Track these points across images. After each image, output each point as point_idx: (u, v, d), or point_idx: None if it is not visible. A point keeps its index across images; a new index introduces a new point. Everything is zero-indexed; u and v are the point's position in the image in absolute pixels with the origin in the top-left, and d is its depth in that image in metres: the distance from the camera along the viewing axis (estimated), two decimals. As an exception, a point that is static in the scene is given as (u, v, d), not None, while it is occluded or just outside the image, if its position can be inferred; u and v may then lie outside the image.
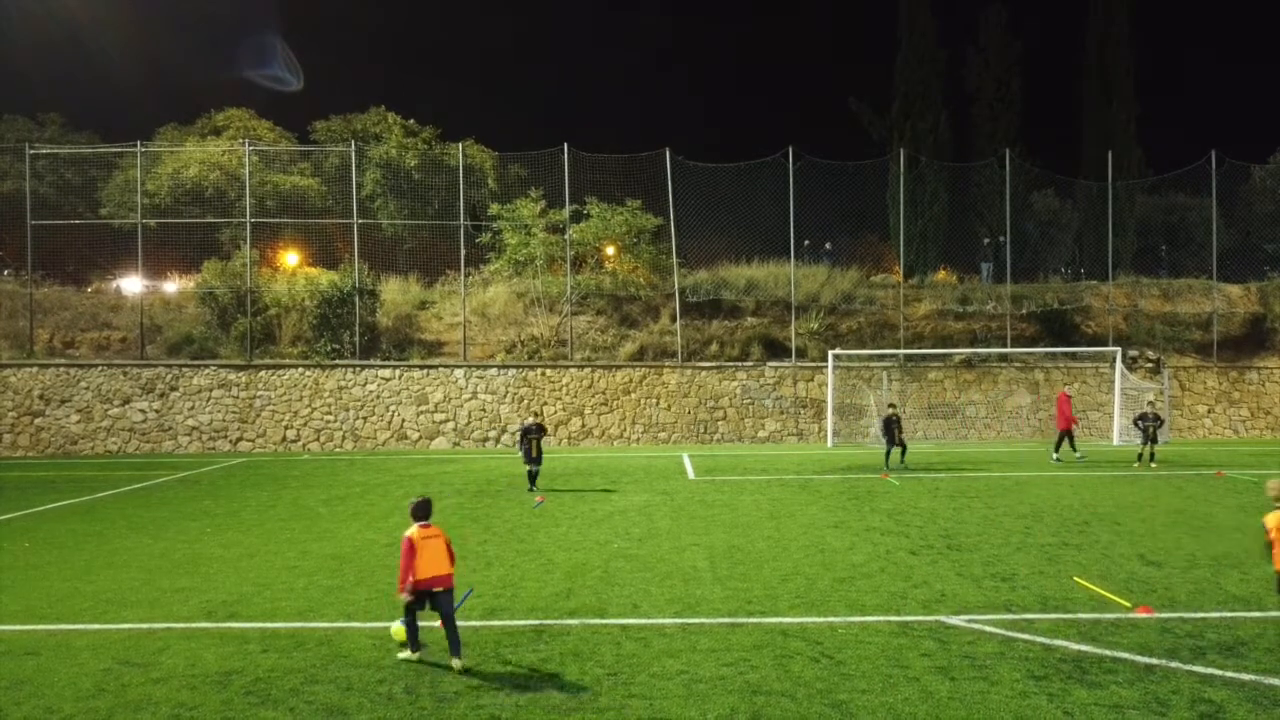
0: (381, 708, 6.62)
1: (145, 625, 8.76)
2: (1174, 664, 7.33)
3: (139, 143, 30.32)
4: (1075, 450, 21.80)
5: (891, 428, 20.57)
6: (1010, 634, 8.16)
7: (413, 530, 7.73)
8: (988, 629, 8.33)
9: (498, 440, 27.16)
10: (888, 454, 20.64)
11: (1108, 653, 7.63)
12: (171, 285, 31.98)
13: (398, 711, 6.54)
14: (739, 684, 6.99)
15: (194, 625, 8.74)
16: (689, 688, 6.92)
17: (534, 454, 17.54)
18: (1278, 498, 7.73)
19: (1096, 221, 33.91)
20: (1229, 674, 7.09)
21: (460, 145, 31.31)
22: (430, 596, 7.62)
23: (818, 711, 6.45)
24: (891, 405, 22.51)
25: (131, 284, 31.18)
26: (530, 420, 18.15)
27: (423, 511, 7.89)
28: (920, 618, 8.71)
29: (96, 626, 8.77)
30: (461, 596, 9.59)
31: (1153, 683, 6.93)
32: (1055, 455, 21.70)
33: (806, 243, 31.40)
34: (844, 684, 6.96)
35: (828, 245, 32.56)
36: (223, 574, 10.92)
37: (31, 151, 29.86)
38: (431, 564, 7.61)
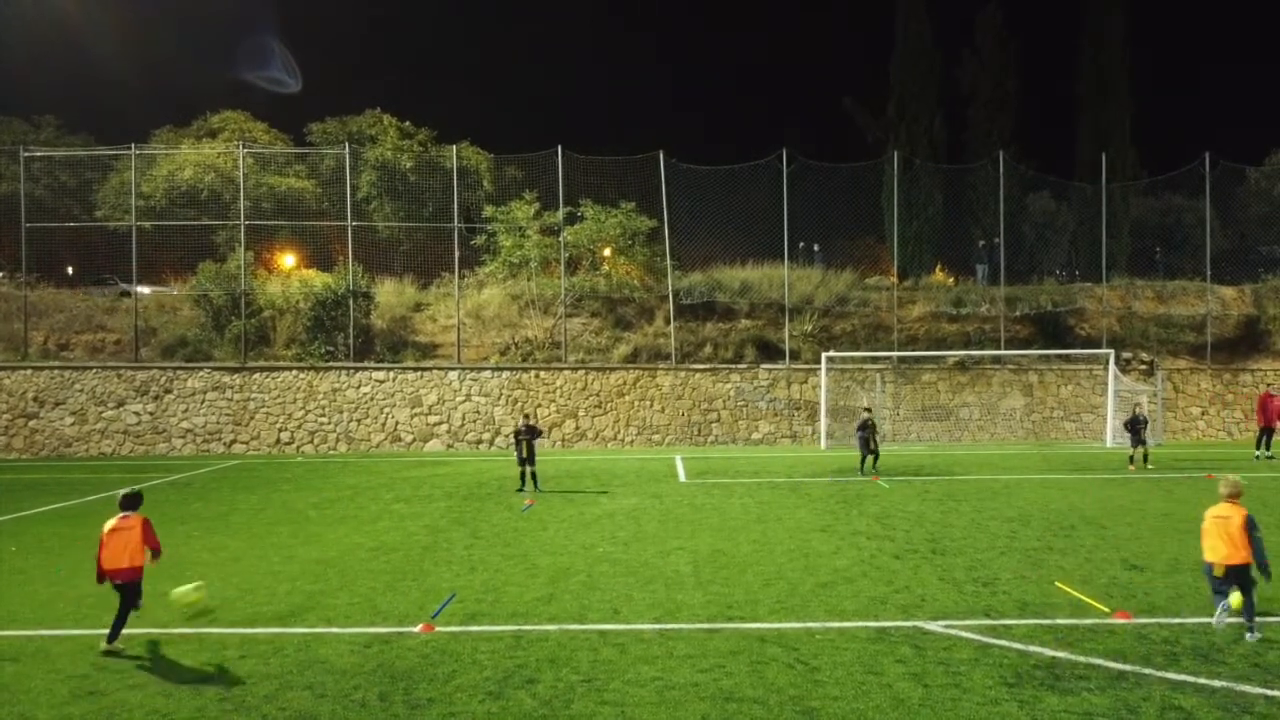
0: (354, 713, 6.64)
1: (126, 630, 8.76)
2: (1147, 670, 7.34)
3: (133, 145, 30.33)
4: (1267, 450, 22.14)
5: (866, 432, 19.78)
6: (987, 640, 8.18)
7: (111, 520, 8.42)
8: (965, 635, 8.34)
9: (491, 442, 27.18)
10: (863, 461, 19.93)
11: (1082, 659, 7.64)
12: (170, 289, 31.99)
13: (369, 717, 6.57)
14: (712, 691, 7.01)
15: (173, 631, 8.76)
16: (662, 695, 6.93)
17: (524, 454, 17.60)
18: None
19: (1091, 223, 33.87)
20: (1201, 680, 7.10)
21: (455, 147, 31.35)
22: (116, 586, 8.26)
23: (788, 718, 6.47)
24: (867, 409, 21.43)
25: (126, 286, 31.19)
26: (523, 422, 18.15)
27: (124, 502, 8.58)
28: (898, 623, 8.72)
29: (77, 632, 8.79)
30: (443, 602, 9.63)
31: (1124, 689, 6.94)
32: (1268, 453, 22.07)
33: (802, 245, 31.42)
34: (816, 690, 6.98)
35: (816, 247, 32.56)
36: (207, 578, 10.87)
37: (26, 154, 29.85)
38: (114, 556, 8.28)
